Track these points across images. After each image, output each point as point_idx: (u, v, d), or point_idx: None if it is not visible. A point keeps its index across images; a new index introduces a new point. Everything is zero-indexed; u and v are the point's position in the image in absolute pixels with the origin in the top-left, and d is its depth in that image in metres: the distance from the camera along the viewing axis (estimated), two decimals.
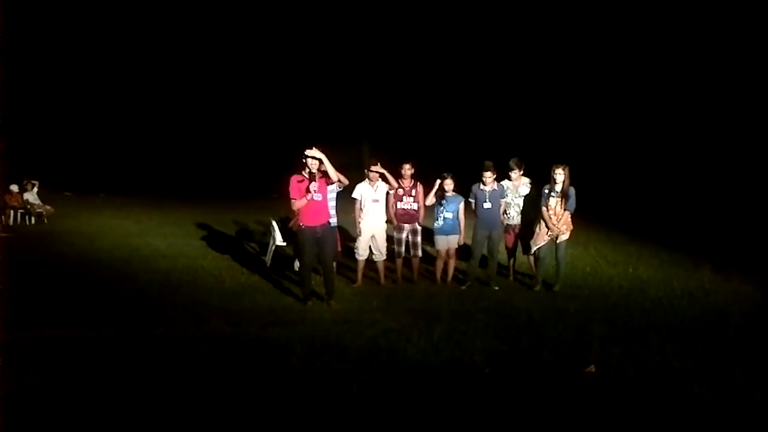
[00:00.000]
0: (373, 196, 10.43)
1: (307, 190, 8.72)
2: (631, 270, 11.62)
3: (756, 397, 5.32)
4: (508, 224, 10.74)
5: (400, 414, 4.88)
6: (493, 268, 10.49)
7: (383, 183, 10.44)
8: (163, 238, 14.65)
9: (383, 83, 26.67)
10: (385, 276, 10.63)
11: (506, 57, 26.45)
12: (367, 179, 10.50)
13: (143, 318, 7.69)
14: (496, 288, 10.21)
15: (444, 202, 10.54)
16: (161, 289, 9.36)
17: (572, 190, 10.07)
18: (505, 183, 10.80)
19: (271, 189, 21.15)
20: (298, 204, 8.80)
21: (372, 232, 10.48)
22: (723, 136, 21.72)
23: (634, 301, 9.31)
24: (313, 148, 8.77)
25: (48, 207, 17.40)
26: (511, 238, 10.89)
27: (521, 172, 10.78)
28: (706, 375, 5.86)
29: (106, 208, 20.20)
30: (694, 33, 22.66)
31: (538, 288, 10.14)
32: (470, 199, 10.47)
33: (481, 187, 10.34)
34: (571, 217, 10.13)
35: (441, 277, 10.71)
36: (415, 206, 10.44)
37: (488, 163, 10.38)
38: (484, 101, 26.81)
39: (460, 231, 10.67)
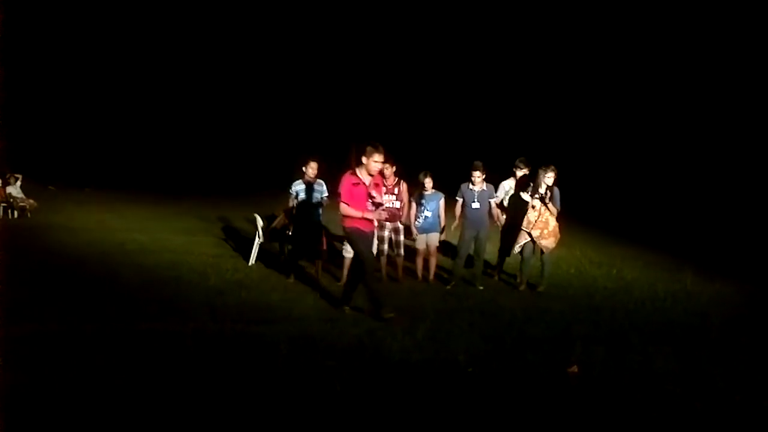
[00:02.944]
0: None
1: (369, 197, 8.03)
2: (615, 271, 11.70)
3: (735, 397, 5.37)
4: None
5: (383, 412, 4.89)
6: (479, 267, 10.52)
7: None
8: (147, 233, 14.58)
9: (369, 83, 26.66)
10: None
11: (491, 56, 26.50)
12: None
13: (126, 313, 7.64)
14: (481, 288, 10.24)
15: (423, 200, 10.59)
16: (145, 285, 9.31)
17: (557, 191, 10.11)
18: (509, 182, 10.84)
19: (258, 186, 21.15)
20: (351, 212, 7.95)
21: None
22: (709, 139, 21.86)
23: (618, 302, 9.37)
24: (379, 146, 7.97)
25: (31, 201, 17.28)
26: None
27: (528, 172, 10.76)
28: (687, 376, 5.90)
29: (90, 202, 20.09)
30: (679, 29, 22.81)
31: (522, 288, 10.18)
32: (458, 198, 10.48)
33: (470, 186, 10.37)
34: (557, 219, 10.18)
35: (423, 275, 10.75)
36: (398, 204, 10.42)
37: (478, 163, 10.40)
38: (469, 100, 26.86)
39: (440, 228, 10.72)
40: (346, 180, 7.99)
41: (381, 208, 8.09)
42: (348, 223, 8.05)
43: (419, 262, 10.82)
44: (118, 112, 28.49)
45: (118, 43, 27.91)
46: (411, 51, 26.82)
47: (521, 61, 26.21)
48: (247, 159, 27.28)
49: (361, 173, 7.99)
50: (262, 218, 12.03)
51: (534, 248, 10.18)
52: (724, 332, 7.65)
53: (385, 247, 10.58)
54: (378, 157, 7.88)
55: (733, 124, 21.54)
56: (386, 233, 10.54)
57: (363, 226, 8.03)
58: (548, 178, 9.96)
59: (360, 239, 8.05)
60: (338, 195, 8.10)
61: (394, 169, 10.45)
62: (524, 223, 10.08)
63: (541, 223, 10.01)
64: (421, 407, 4.99)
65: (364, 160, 7.92)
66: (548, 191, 9.96)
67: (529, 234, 10.05)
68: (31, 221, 16.14)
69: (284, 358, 6.00)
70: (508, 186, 10.96)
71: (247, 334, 6.87)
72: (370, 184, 8.02)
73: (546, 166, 10.03)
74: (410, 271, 11.06)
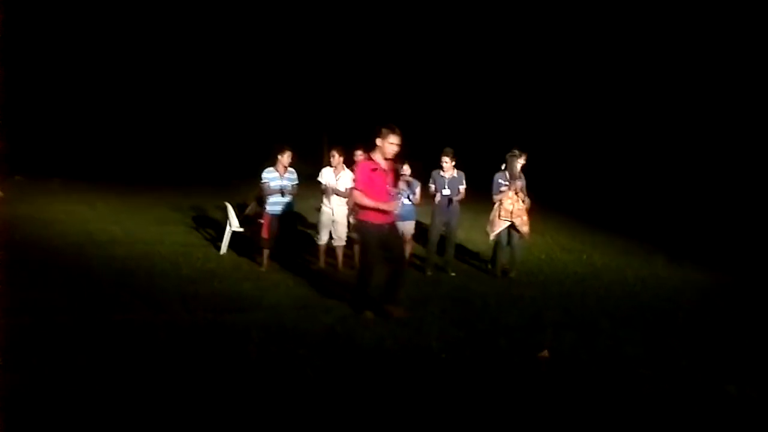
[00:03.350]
0: (335, 183, 10.47)
1: (391, 186, 7.48)
2: (585, 257, 11.84)
3: (701, 379, 5.47)
4: None
5: (355, 399, 4.91)
6: (450, 254, 10.58)
7: (347, 171, 10.46)
8: (119, 224, 14.44)
9: (342, 74, 26.56)
10: (343, 263, 10.66)
11: (477, 46, 26.54)
12: (330, 166, 10.54)
13: (99, 304, 7.59)
14: (453, 274, 10.30)
15: (401, 188, 10.63)
16: (117, 276, 9.24)
17: (522, 176, 10.19)
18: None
19: (229, 175, 21.04)
20: (368, 202, 7.27)
21: (333, 217, 10.53)
22: (686, 128, 22.08)
23: (589, 288, 9.49)
24: (395, 127, 7.31)
25: None
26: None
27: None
28: (655, 359, 6.00)
29: (60, 193, 19.81)
30: (664, 27, 23.01)
31: (498, 275, 10.22)
32: (430, 185, 10.53)
33: (441, 173, 10.42)
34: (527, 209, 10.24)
35: None
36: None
37: (448, 150, 10.46)
38: (448, 90, 26.91)
39: (415, 216, 10.80)
40: (363, 166, 7.40)
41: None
42: (362, 215, 7.42)
43: None
44: (88, 101, 28.12)
45: (88, 31, 27.51)
46: (391, 40, 26.73)
47: (508, 53, 26.23)
48: (218, 147, 27.10)
49: (377, 158, 7.34)
50: (233, 206, 11.98)
51: (510, 235, 10.22)
52: (692, 317, 7.79)
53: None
54: (394, 139, 7.25)
55: (715, 115, 21.73)
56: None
57: (379, 219, 7.32)
58: (519, 163, 10.05)
59: (373, 234, 7.34)
60: (355, 183, 7.53)
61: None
62: (501, 212, 10.14)
63: (519, 211, 10.07)
64: (395, 394, 5.02)
65: (378, 142, 7.28)
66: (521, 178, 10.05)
67: (512, 222, 10.11)
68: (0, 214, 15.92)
69: (256, 347, 6.00)
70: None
71: (219, 324, 6.86)
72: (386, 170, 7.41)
73: (518, 153, 10.10)
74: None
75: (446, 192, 10.34)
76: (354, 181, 7.56)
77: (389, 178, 7.44)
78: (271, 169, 10.47)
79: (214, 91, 28.22)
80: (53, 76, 27.54)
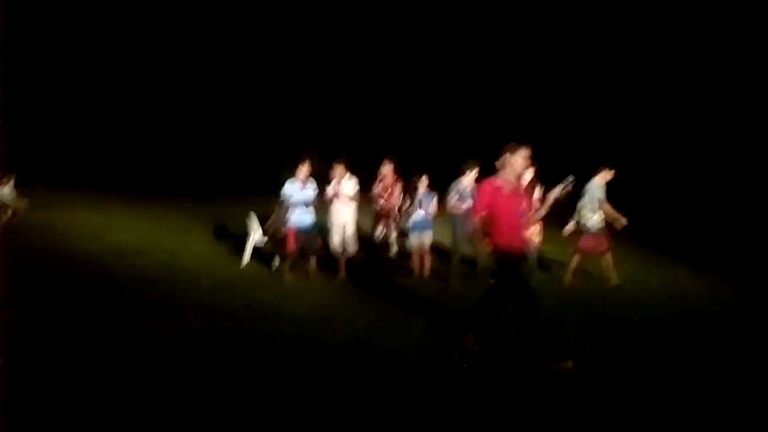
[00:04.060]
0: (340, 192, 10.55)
1: (526, 210, 6.57)
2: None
3: (721, 390, 5.42)
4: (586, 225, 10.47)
5: (377, 409, 4.90)
6: (483, 262, 10.54)
7: (350, 178, 10.68)
8: (139, 233, 14.53)
9: (364, 84, 26.67)
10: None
11: (485, 52, 26.53)
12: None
13: (119, 313, 7.63)
14: (492, 281, 10.26)
15: (417, 200, 10.67)
16: (137, 285, 9.28)
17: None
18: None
19: (248, 184, 21.07)
20: (496, 229, 6.37)
21: (343, 226, 10.60)
22: (704, 135, 21.90)
23: (609, 298, 9.40)
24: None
25: (24, 201, 17.17)
26: (590, 241, 10.51)
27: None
28: (675, 370, 5.94)
29: (82, 203, 19.96)
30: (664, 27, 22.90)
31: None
32: (453, 195, 10.45)
33: (465, 185, 10.40)
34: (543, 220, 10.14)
35: (419, 273, 10.79)
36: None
37: (474, 161, 10.44)
38: (463, 98, 26.90)
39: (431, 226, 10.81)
40: (488, 186, 6.48)
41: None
42: (497, 245, 6.39)
43: (415, 259, 10.88)
44: (108, 111, 28.36)
45: (104, 40, 27.76)
46: (404, 53, 26.84)
47: (513, 57, 26.23)
48: (239, 158, 27.21)
49: (505, 177, 6.46)
50: (255, 217, 12.01)
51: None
52: (712, 328, 7.71)
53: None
54: (525, 154, 6.44)
55: (729, 120, 21.58)
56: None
57: (516, 247, 6.43)
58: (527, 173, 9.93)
59: (515, 263, 6.42)
60: (475, 205, 6.63)
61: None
62: None
63: None
64: (416, 405, 5.00)
65: (508, 159, 6.43)
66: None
67: None
68: (24, 222, 16.05)
69: (277, 356, 6.00)
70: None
71: (239, 333, 6.87)
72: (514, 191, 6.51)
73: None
74: (405, 269, 11.10)
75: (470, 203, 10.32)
76: (475, 203, 6.64)
77: (523, 201, 6.54)
78: (293, 180, 10.48)
79: (233, 100, 28.36)
80: (73, 86, 27.77)
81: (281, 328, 7.07)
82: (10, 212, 16.72)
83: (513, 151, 6.38)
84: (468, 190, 10.35)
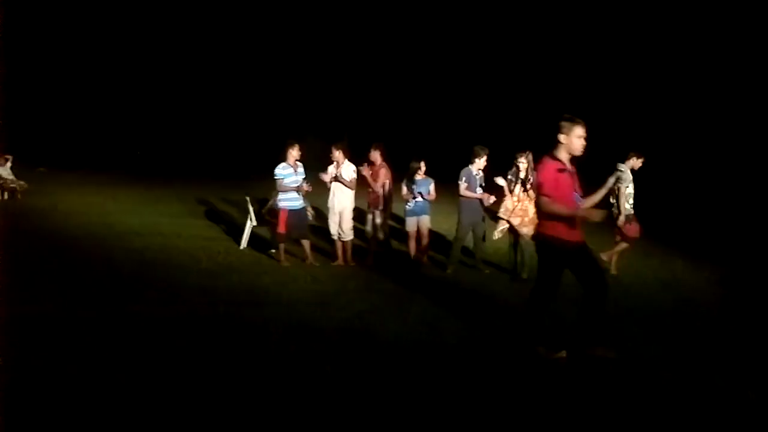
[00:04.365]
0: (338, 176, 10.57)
1: (578, 192, 6.03)
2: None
3: (717, 382, 5.45)
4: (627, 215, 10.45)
5: (373, 394, 4.93)
6: (480, 251, 10.56)
7: (349, 164, 10.64)
8: (138, 216, 14.55)
9: (360, 68, 26.63)
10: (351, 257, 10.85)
11: (483, 45, 26.50)
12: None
13: (118, 296, 7.66)
14: (487, 272, 10.32)
15: (415, 185, 10.67)
16: (136, 268, 9.32)
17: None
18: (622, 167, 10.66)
19: (247, 169, 21.08)
20: (560, 209, 5.83)
21: (339, 211, 10.60)
22: (701, 127, 21.92)
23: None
24: (576, 118, 6.03)
25: (22, 182, 17.17)
26: (634, 228, 10.48)
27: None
28: (672, 362, 5.97)
29: (81, 184, 19.98)
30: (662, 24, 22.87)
31: (525, 276, 10.00)
32: (461, 182, 10.39)
33: (474, 172, 10.35)
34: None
35: (415, 258, 10.81)
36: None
37: (484, 148, 10.41)
38: (459, 87, 26.90)
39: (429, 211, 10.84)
40: (549, 166, 5.94)
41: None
42: (549, 229, 5.92)
43: (411, 244, 10.90)
44: (109, 95, 28.35)
45: (104, 27, 27.71)
46: (399, 40, 26.79)
47: (515, 52, 26.20)
48: (236, 142, 27.22)
49: (561, 156, 6.00)
50: (253, 201, 12.01)
51: (516, 235, 10.06)
52: (709, 319, 7.75)
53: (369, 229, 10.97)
54: (582, 131, 5.96)
55: (726, 112, 21.58)
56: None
57: (570, 235, 5.88)
58: (521, 163, 9.93)
59: (559, 253, 5.94)
60: (539, 187, 6.00)
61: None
62: (501, 210, 10.08)
63: (521, 211, 9.95)
64: (411, 390, 5.04)
65: (562, 138, 5.95)
66: (528, 177, 9.89)
67: (509, 221, 10.01)
68: (21, 203, 16.07)
69: (275, 342, 6.04)
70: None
71: (238, 317, 6.91)
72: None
73: (519, 152, 10.02)
74: (402, 255, 11.13)
75: (480, 191, 10.32)
76: (539, 186, 5.99)
77: (575, 182, 6.05)
78: (285, 164, 10.48)
79: (231, 86, 28.34)
80: (77, 72, 27.77)
81: (280, 313, 7.12)
82: (6, 194, 16.73)
83: (568, 130, 5.93)
84: (477, 176, 10.35)
